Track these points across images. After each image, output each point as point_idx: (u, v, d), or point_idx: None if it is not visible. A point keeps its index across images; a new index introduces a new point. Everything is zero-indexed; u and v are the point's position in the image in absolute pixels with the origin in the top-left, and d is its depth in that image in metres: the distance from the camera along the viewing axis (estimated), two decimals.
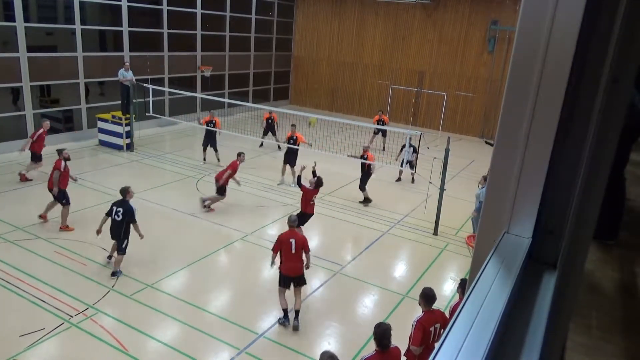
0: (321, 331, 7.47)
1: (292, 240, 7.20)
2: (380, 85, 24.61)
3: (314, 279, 8.98)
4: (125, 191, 8.62)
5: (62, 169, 10.06)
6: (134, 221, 8.53)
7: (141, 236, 8.72)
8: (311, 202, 9.99)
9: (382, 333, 4.88)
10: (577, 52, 1.09)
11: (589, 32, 1.10)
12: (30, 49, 15.05)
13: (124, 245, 8.48)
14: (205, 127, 15.09)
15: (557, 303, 1.19)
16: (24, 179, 12.58)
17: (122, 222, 8.42)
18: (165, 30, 19.56)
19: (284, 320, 7.36)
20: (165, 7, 19.32)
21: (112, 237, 8.58)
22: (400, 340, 5.33)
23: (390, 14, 23.68)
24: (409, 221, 11.93)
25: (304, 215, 9.96)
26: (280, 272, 7.39)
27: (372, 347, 5.06)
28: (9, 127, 15.23)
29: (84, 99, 16.95)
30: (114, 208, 8.50)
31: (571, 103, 1.14)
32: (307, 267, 7.53)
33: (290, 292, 7.45)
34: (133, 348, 6.68)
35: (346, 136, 17.83)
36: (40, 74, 15.56)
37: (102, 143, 16.44)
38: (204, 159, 15.30)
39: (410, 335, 5.51)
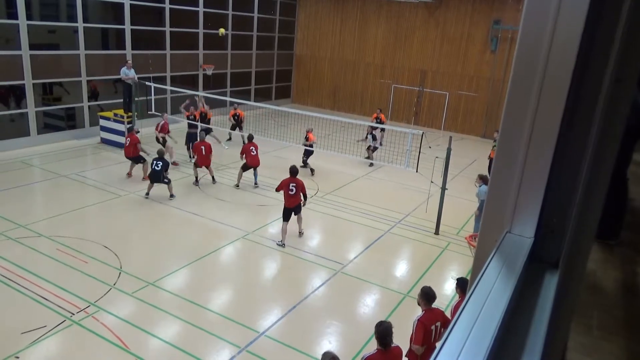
0: (322, 330, 7.48)
1: (202, 147, 12.80)
2: (382, 85, 24.60)
3: (315, 278, 8.99)
4: (163, 153, 12.22)
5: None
6: (166, 169, 11.89)
7: (176, 163, 13.92)
8: (290, 192, 9.87)
9: (383, 331, 4.88)
10: (581, 51, 1.09)
11: (592, 32, 1.10)
12: (32, 46, 15.08)
13: (167, 181, 11.90)
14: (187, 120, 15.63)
15: (558, 303, 1.19)
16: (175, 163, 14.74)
17: (160, 170, 11.68)
18: (167, 29, 19.58)
19: (196, 183, 13.25)
20: (167, 5, 19.33)
21: (154, 181, 11.77)
22: (401, 339, 5.33)
23: (393, 13, 23.66)
24: (411, 220, 11.93)
25: (289, 210, 10.02)
26: (195, 165, 13.16)
27: (373, 346, 5.07)
28: (12, 125, 15.26)
29: (86, 97, 16.98)
30: (154, 161, 11.74)
31: (574, 102, 1.14)
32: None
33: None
34: (134, 346, 6.69)
35: (347, 135, 17.85)
36: (43, 72, 15.59)
37: (104, 141, 16.46)
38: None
39: (412, 335, 5.51)
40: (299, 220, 10.33)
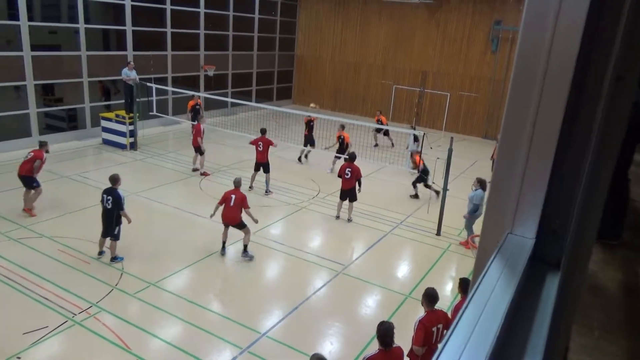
0: (324, 331, 7.47)
1: (233, 196, 9.15)
2: (384, 85, 24.59)
3: (317, 279, 8.98)
4: (114, 179, 8.81)
5: (43, 160, 10.67)
6: (121, 208, 8.70)
7: (129, 221, 8.87)
8: (346, 176, 11.18)
9: (384, 331, 4.87)
10: (581, 51, 1.09)
11: (593, 31, 1.10)
12: (34, 47, 15.10)
13: (116, 232, 8.75)
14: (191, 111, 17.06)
15: (560, 304, 1.18)
16: (206, 174, 13.89)
17: (112, 209, 8.63)
18: (168, 30, 19.60)
19: (223, 251, 9.49)
20: (168, 7, 19.36)
21: (104, 225, 8.79)
22: (403, 340, 5.32)
23: (394, 14, 23.66)
24: (412, 221, 11.92)
25: (345, 192, 11.37)
26: (222, 219, 9.34)
27: (374, 347, 5.06)
28: (13, 126, 15.27)
29: (87, 97, 17.00)
30: (104, 196, 8.72)
31: (575, 102, 1.14)
32: (256, 222, 9.45)
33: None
34: (136, 346, 6.69)
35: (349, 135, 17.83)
36: (44, 73, 15.61)
37: (106, 142, 16.48)
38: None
39: (413, 335, 5.50)
40: (350, 209, 11.38)
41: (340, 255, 9.88)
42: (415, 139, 14.62)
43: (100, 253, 9.00)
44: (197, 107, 17.32)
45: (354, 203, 11.47)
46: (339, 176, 11.36)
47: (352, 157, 11.46)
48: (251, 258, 9.27)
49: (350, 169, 11.19)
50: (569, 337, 1.51)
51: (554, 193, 1.22)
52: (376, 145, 18.64)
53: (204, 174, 13.82)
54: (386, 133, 18.53)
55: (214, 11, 21.55)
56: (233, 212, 9.14)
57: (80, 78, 16.64)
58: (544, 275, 1.25)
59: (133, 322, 7.23)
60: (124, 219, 8.82)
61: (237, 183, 9.39)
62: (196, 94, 18.70)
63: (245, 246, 9.29)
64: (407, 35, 23.57)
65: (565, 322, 1.39)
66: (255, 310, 7.85)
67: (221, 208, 9.28)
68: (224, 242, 9.44)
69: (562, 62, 1.10)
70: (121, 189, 8.85)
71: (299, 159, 16.05)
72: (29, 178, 10.49)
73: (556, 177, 1.19)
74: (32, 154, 10.60)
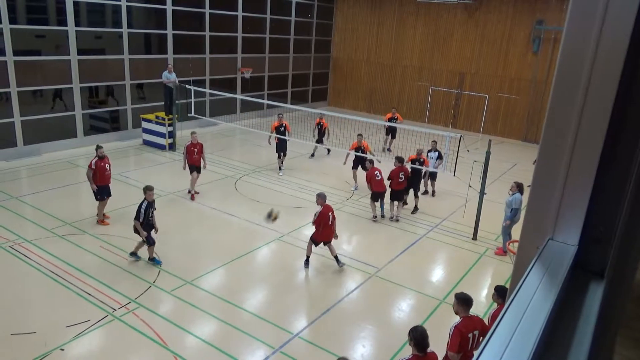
0: (356, 334, 7.44)
1: (330, 214, 9.02)
2: (420, 87, 24.32)
3: (350, 281, 8.95)
4: (144, 190, 8.91)
5: (91, 166, 10.32)
6: (136, 218, 8.72)
7: (141, 235, 8.84)
8: (400, 180, 11.46)
9: (421, 335, 4.79)
10: (630, 51, 1.04)
11: None
12: (80, 52, 15.73)
13: (143, 239, 8.81)
14: (275, 133, 14.85)
15: (604, 314, 1.13)
16: (193, 198, 12.29)
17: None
18: (207, 33, 20.03)
19: (307, 264, 9.29)
20: (207, 11, 19.78)
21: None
22: (437, 346, 5.23)
23: (431, 15, 23.37)
24: (448, 225, 11.72)
25: (396, 192, 11.65)
26: (318, 239, 9.13)
27: (407, 352, 5.00)
28: (60, 127, 15.94)
29: (129, 99, 17.56)
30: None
31: (623, 104, 1.09)
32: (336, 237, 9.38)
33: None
34: (172, 343, 6.85)
35: (382, 137, 17.72)
36: (89, 76, 16.23)
37: (146, 142, 16.98)
38: (280, 168, 14.96)
39: (448, 341, 5.40)
40: (399, 207, 11.89)
41: (373, 258, 9.82)
42: (440, 156, 13.34)
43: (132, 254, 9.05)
44: (282, 128, 14.83)
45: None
46: (389, 178, 11.47)
47: (400, 160, 11.57)
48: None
49: (403, 172, 11.49)
50: (613, 349, 1.45)
51: (599, 198, 1.17)
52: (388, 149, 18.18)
53: (192, 196, 12.39)
54: (394, 135, 18.13)
55: (252, 14, 21.87)
56: (332, 229, 9.13)
57: (122, 81, 17.21)
58: (586, 284, 1.20)
59: (170, 318, 7.41)
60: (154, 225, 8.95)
61: (325, 197, 9.08)
62: (235, 95, 18.87)
63: (337, 256, 9.19)
64: (444, 36, 23.23)
65: (609, 334, 1.33)
66: (288, 310, 7.89)
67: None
68: (308, 257, 9.25)
69: (609, 63, 1.06)
70: (157, 194, 9.17)
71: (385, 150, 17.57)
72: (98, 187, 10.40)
73: (601, 181, 1.15)
74: None
